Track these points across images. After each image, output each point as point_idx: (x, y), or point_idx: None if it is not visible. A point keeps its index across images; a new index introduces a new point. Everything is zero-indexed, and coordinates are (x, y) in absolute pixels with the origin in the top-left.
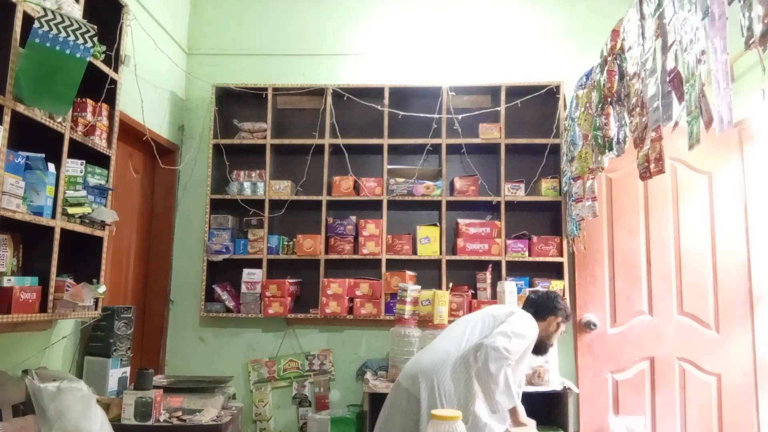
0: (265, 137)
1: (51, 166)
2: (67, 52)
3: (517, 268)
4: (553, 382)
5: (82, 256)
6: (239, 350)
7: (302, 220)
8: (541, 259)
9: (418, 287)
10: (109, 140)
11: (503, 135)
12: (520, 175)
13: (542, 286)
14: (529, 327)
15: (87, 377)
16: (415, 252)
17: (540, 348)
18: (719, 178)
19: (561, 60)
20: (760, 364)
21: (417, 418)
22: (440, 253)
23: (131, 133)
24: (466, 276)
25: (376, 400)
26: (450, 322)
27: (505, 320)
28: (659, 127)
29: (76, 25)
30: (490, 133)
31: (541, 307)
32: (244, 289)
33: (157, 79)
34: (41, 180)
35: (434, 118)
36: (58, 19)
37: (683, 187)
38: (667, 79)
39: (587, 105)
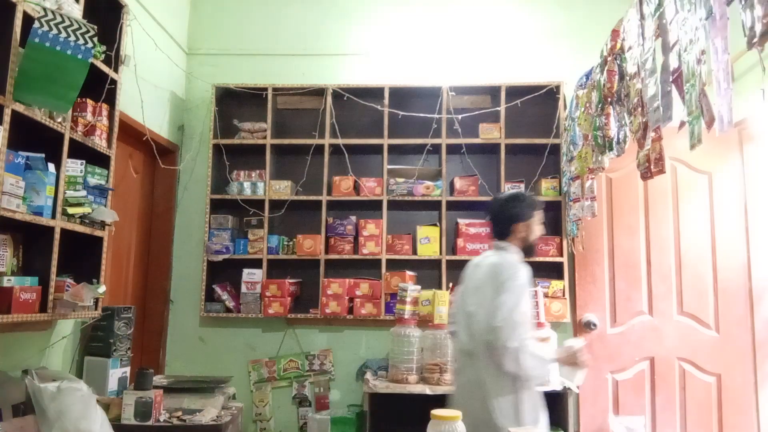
0: (265, 137)
1: (51, 166)
2: (68, 52)
3: None
4: (553, 382)
5: (82, 256)
6: (239, 350)
7: (302, 220)
8: (541, 259)
9: (418, 287)
10: (109, 140)
11: (503, 135)
12: (520, 175)
13: (542, 285)
14: (518, 283)
15: (87, 377)
16: (415, 252)
17: (529, 252)
18: (719, 178)
19: (561, 60)
20: (760, 364)
21: None
22: (440, 253)
23: (131, 133)
24: None
25: (376, 400)
26: (450, 322)
27: (492, 302)
28: (659, 127)
29: (76, 25)
30: (490, 133)
31: (504, 225)
32: (244, 289)
33: (157, 79)
34: (41, 180)
35: (434, 118)
36: (58, 19)
37: (683, 187)
38: (670, 79)
39: (587, 105)
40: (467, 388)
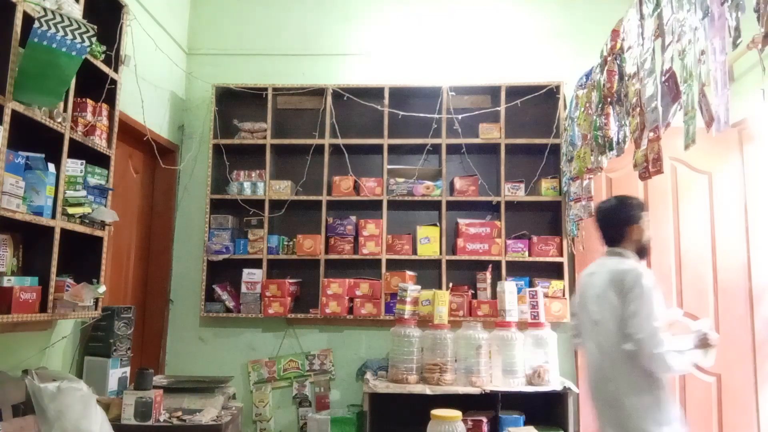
0: (265, 137)
1: (51, 166)
2: (63, 49)
3: (517, 268)
4: (553, 382)
5: (82, 256)
6: (239, 350)
7: (302, 220)
8: (541, 259)
9: (418, 287)
10: (109, 140)
11: (503, 135)
12: (520, 175)
13: (542, 286)
14: (645, 288)
15: (87, 377)
16: (415, 252)
17: (643, 254)
18: (719, 178)
19: (561, 60)
20: (760, 364)
21: None
22: (440, 253)
23: (131, 133)
24: (466, 276)
25: (376, 400)
26: (450, 322)
27: (625, 310)
28: (657, 127)
29: (75, 25)
30: (490, 133)
31: (616, 230)
32: (244, 289)
33: (157, 79)
34: (41, 180)
35: (434, 118)
36: (58, 18)
37: (683, 187)
38: (663, 80)
39: (587, 105)
40: (602, 396)
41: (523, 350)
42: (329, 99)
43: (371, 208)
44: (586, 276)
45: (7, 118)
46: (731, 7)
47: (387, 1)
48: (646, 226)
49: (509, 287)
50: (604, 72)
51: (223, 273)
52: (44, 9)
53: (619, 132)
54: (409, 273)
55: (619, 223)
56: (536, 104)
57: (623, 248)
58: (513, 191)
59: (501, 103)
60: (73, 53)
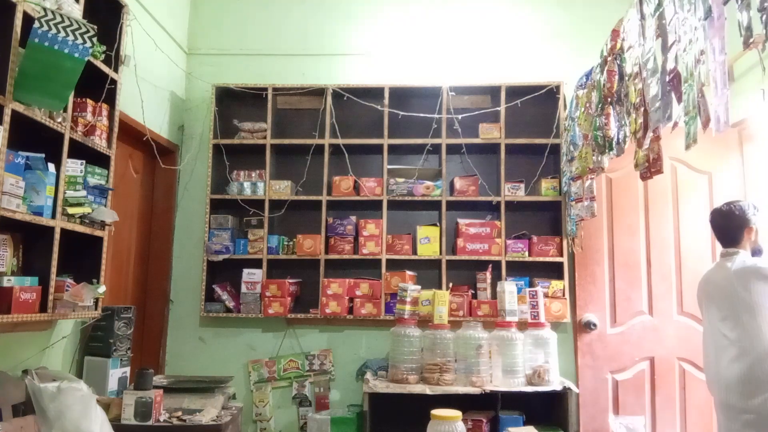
0: (265, 137)
1: (51, 166)
2: (66, 51)
3: (517, 268)
4: (553, 382)
5: (82, 256)
6: (239, 350)
7: (302, 220)
8: (541, 259)
9: (418, 287)
10: (109, 140)
11: (503, 135)
12: (520, 175)
13: (542, 286)
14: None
15: (87, 377)
16: (415, 252)
17: (757, 253)
18: (719, 178)
19: (561, 60)
20: None
21: None
22: (440, 253)
23: (131, 133)
24: (466, 276)
25: (376, 400)
26: (450, 322)
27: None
28: (658, 127)
29: (75, 25)
30: (490, 133)
31: (734, 232)
32: (244, 289)
33: (157, 79)
34: (41, 180)
35: (434, 118)
36: (58, 19)
37: (683, 187)
38: (667, 79)
39: (587, 105)
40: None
41: (523, 350)
42: (329, 99)
43: (371, 208)
44: (708, 278)
45: (7, 118)
46: (742, 6)
47: (387, 1)
48: (759, 227)
49: (509, 287)
50: (604, 72)
51: (223, 273)
52: (44, 9)
53: (619, 132)
54: (409, 273)
55: (739, 225)
56: (536, 104)
57: (740, 248)
58: (513, 191)
59: (501, 103)
60: (76, 55)
